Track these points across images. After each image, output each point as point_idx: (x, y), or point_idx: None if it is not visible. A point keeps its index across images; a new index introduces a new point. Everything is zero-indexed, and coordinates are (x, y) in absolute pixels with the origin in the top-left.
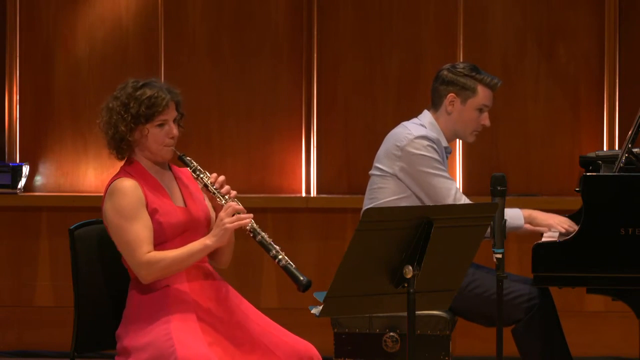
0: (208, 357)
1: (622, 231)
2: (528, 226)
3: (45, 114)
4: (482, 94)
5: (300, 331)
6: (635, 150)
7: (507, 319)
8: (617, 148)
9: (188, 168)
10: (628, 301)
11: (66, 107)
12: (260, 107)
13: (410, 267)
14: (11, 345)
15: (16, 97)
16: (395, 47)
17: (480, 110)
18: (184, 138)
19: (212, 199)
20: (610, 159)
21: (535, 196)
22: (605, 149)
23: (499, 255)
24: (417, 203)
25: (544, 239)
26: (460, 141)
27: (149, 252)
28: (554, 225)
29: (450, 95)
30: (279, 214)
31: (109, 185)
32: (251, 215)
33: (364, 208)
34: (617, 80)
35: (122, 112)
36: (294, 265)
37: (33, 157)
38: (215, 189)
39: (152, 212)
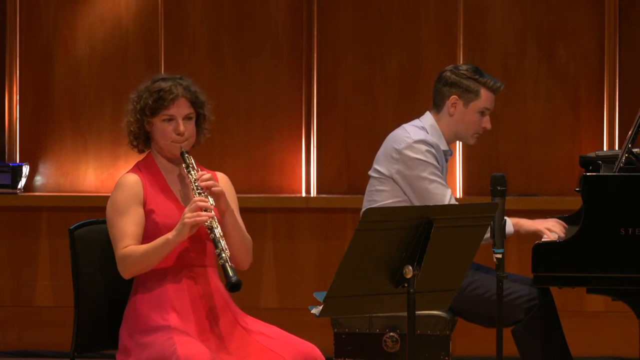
0: (209, 356)
1: (622, 231)
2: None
3: (45, 114)
4: (485, 97)
5: (300, 331)
6: (635, 150)
7: (507, 319)
8: (617, 148)
9: (183, 164)
10: (628, 301)
11: (66, 107)
12: (260, 107)
13: (410, 267)
14: (11, 345)
15: (16, 97)
16: (395, 47)
17: (482, 113)
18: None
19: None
20: (610, 159)
21: (535, 196)
22: (605, 149)
23: (499, 255)
24: None
25: (544, 239)
26: (460, 142)
27: (126, 246)
28: (542, 230)
29: (453, 97)
30: (279, 214)
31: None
32: (211, 213)
33: (363, 210)
34: (617, 80)
35: (135, 103)
36: (231, 264)
37: (33, 157)
38: (196, 185)
39: (149, 212)
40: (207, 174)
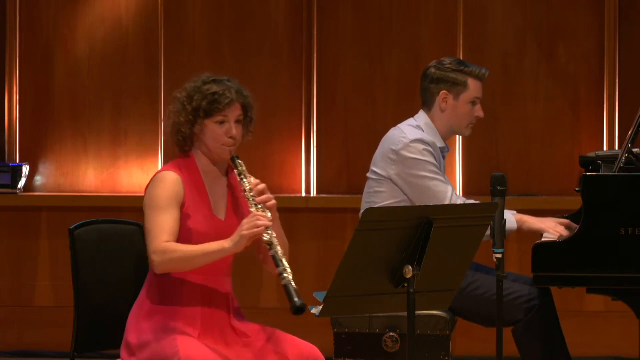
0: (212, 357)
1: (622, 231)
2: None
3: (45, 114)
4: (473, 87)
5: (300, 331)
6: (635, 150)
7: (507, 319)
8: (617, 148)
9: (235, 170)
10: (628, 301)
11: (66, 107)
12: (260, 107)
13: (410, 267)
14: (11, 345)
15: (16, 97)
16: (395, 47)
17: (473, 103)
18: None
19: (248, 205)
20: (610, 159)
21: (535, 196)
22: (605, 149)
23: (499, 255)
24: None
25: (544, 239)
26: (460, 142)
27: (167, 241)
28: (546, 230)
29: (443, 93)
30: (279, 214)
31: (156, 174)
32: (270, 227)
33: (362, 211)
34: (617, 80)
35: (186, 103)
36: (294, 286)
37: (33, 157)
38: (251, 195)
39: (184, 216)
40: (261, 185)
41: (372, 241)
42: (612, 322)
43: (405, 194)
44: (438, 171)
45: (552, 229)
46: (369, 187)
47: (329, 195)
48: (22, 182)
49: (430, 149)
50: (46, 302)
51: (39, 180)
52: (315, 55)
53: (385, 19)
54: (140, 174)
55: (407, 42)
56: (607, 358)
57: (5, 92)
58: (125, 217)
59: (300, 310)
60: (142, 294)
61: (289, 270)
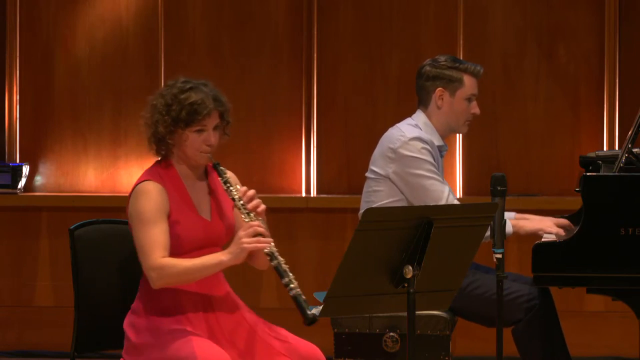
0: (225, 356)
1: (622, 231)
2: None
3: (45, 114)
4: (469, 83)
5: (300, 331)
6: (635, 150)
7: (507, 319)
8: (617, 148)
9: (220, 178)
10: (628, 301)
11: (66, 107)
12: (260, 107)
13: (410, 267)
14: (11, 345)
15: (16, 97)
16: (395, 47)
17: (469, 100)
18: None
19: (239, 213)
20: (610, 159)
21: (535, 196)
22: (605, 149)
23: (499, 255)
24: None
25: (544, 239)
26: (460, 141)
27: (163, 256)
28: (543, 229)
29: (439, 90)
30: (279, 214)
31: (135, 185)
32: (271, 240)
33: (361, 211)
34: (617, 80)
35: (164, 112)
36: (304, 297)
37: (33, 157)
38: (241, 204)
39: (173, 223)
40: (250, 191)
41: (372, 241)
42: (612, 322)
43: (402, 193)
44: (435, 170)
45: (549, 227)
46: (368, 186)
47: (329, 195)
48: (22, 182)
49: (428, 147)
50: (46, 302)
51: (39, 180)
52: (315, 55)
53: (385, 19)
54: (140, 174)
55: (407, 42)
56: (607, 358)
57: (5, 92)
58: (125, 217)
59: (313, 322)
60: (137, 301)
61: (294, 281)
